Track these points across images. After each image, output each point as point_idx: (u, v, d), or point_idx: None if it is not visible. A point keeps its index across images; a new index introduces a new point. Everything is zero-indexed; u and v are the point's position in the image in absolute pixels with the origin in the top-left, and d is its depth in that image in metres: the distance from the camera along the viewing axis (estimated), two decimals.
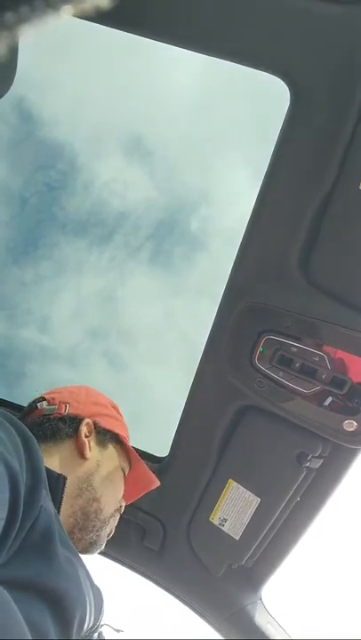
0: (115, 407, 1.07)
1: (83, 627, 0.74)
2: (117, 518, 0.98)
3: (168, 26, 0.78)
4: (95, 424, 0.97)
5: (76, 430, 0.93)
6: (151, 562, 1.24)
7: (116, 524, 0.98)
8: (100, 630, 0.89)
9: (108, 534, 0.96)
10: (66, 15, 0.23)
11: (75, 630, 0.70)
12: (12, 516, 0.63)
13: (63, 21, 0.23)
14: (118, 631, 1.04)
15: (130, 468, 1.03)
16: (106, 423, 0.99)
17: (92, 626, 0.80)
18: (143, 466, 1.05)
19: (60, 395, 1.01)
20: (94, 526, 0.90)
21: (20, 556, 0.65)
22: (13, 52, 0.76)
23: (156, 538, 1.21)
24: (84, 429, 0.94)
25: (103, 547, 0.95)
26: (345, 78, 0.72)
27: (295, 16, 0.71)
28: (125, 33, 0.79)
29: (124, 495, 1.01)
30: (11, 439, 0.69)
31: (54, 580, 0.67)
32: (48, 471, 0.78)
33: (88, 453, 0.92)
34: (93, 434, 0.96)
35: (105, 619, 1.02)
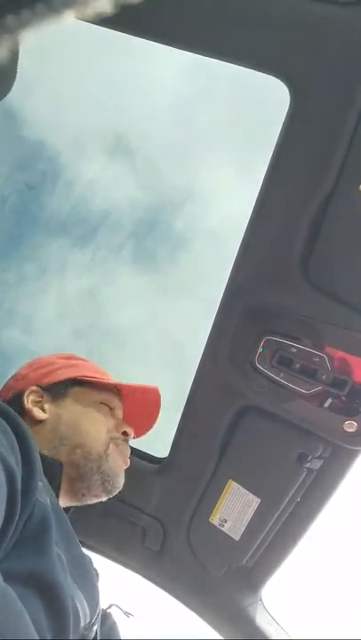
0: (69, 357, 1.08)
1: (79, 623, 0.74)
2: (121, 444, 0.98)
3: (166, 27, 0.78)
4: (42, 386, 0.99)
5: (22, 405, 0.95)
6: (151, 563, 1.24)
7: (125, 449, 0.99)
8: (100, 620, 0.89)
9: (120, 465, 0.96)
10: (68, 19, 0.23)
11: (71, 627, 0.70)
12: (10, 511, 0.63)
13: (64, 25, 0.23)
14: (128, 615, 1.04)
15: (121, 397, 1.05)
16: (55, 377, 1.00)
17: (90, 621, 0.80)
18: (130, 386, 1.06)
19: (5, 384, 1.04)
20: (91, 468, 0.91)
21: (17, 549, 0.65)
22: (14, 57, 0.76)
23: (157, 538, 1.21)
24: (29, 399, 0.96)
25: (120, 478, 0.96)
26: (345, 78, 0.72)
27: (295, 17, 0.71)
28: (117, 33, 0.78)
29: (126, 419, 1.04)
30: (5, 433, 0.70)
31: (51, 573, 0.67)
32: (43, 458, 0.78)
33: (42, 415, 0.94)
34: (45, 395, 0.98)
35: (109, 605, 1.02)
